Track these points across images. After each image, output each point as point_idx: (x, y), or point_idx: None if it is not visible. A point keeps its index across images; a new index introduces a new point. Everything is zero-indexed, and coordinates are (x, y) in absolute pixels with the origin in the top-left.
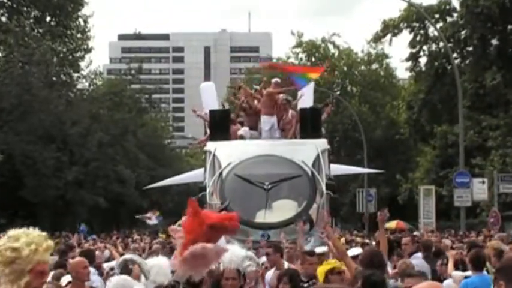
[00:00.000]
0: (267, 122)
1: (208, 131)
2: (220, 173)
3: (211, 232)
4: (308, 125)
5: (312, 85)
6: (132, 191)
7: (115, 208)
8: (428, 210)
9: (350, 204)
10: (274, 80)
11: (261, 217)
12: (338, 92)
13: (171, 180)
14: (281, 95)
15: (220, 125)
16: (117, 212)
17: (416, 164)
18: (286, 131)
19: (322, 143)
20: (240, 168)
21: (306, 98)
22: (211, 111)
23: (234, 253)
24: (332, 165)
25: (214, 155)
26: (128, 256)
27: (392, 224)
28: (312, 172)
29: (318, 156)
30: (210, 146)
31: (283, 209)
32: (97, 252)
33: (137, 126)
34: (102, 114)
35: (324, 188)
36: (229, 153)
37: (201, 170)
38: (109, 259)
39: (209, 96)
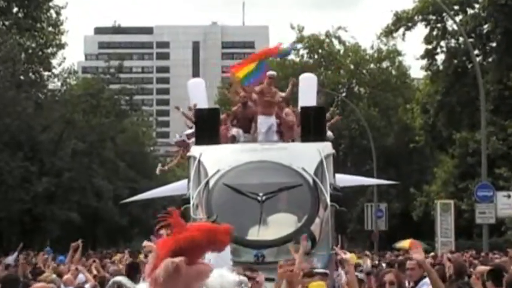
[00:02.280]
0: (264, 122)
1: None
2: (207, 182)
3: (190, 248)
4: (310, 125)
5: (314, 80)
6: (110, 206)
7: (91, 225)
8: (446, 228)
9: (357, 221)
10: (269, 73)
11: (255, 234)
12: (344, 94)
13: (153, 193)
14: (280, 93)
15: (208, 126)
16: (93, 229)
17: (432, 175)
18: (284, 133)
19: (326, 147)
20: (230, 176)
21: (307, 95)
22: (197, 110)
23: (224, 278)
24: (338, 176)
25: (199, 161)
26: (118, 278)
27: (405, 244)
28: (314, 181)
29: (321, 162)
30: (195, 150)
31: (280, 225)
32: (68, 276)
33: (116, 132)
34: (76, 119)
35: (328, 199)
36: (217, 158)
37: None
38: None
39: (198, 95)
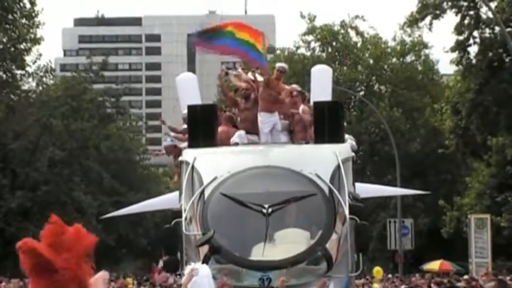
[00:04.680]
0: (266, 121)
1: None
2: (202, 192)
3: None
4: (325, 124)
5: (329, 73)
6: (93, 223)
7: None
8: (481, 247)
9: (379, 239)
10: (278, 65)
11: (259, 253)
12: (362, 93)
13: (140, 207)
14: (294, 85)
15: (202, 126)
16: None
17: (465, 186)
18: (295, 133)
19: (343, 149)
20: (230, 185)
21: (321, 89)
22: (190, 107)
23: None
24: (357, 185)
25: (193, 168)
26: None
27: (435, 265)
28: (330, 189)
29: (338, 167)
30: (188, 154)
31: (289, 242)
32: None
33: (100, 139)
34: (54, 124)
35: (347, 211)
36: (214, 163)
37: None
38: None
39: (189, 92)
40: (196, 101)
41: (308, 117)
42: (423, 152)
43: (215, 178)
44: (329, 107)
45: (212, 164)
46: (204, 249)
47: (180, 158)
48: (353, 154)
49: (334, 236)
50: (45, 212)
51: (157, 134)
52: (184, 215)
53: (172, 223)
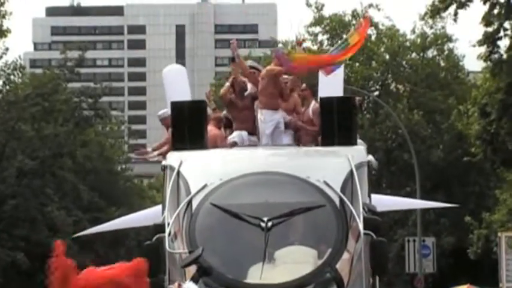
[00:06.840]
0: (268, 120)
1: None
2: (189, 203)
3: None
4: (334, 123)
5: (341, 66)
6: (68, 243)
7: (42, 268)
8: None
9: (396, 261)
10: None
11: (256, 276)
12: (377, 92)
13: (120, 223)
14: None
15: (190, 125)
16: (46, 275)
17: (495, 200)
18: (302, 135)
19: (357, 153)
20: (222, 194)
21: (330, 84)
22: (174, 104)
23: None
24: (373, 196)
25: (179, 173)
26: None
27: None
28: (341, 200)
29: (350, 174)
30: (173, 158)
31: (292, 262)
32: None
33: (76, 146)
34: (23, 128)
35: (361, 226)
36: (204, 169)
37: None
38: None
39: (178, 87)
40: (186, 97)
41: (316, 115)
42: (447, 160)
43: (205, 186)
44: (338, 103)
45: (201, 170)
46: (191, 270)
47: (164, 163)
48: (369, 158)
49: (345, 255)
50: (12, 230)
51: (141, 140)
52: (167, 230)
53: (154, 239)
